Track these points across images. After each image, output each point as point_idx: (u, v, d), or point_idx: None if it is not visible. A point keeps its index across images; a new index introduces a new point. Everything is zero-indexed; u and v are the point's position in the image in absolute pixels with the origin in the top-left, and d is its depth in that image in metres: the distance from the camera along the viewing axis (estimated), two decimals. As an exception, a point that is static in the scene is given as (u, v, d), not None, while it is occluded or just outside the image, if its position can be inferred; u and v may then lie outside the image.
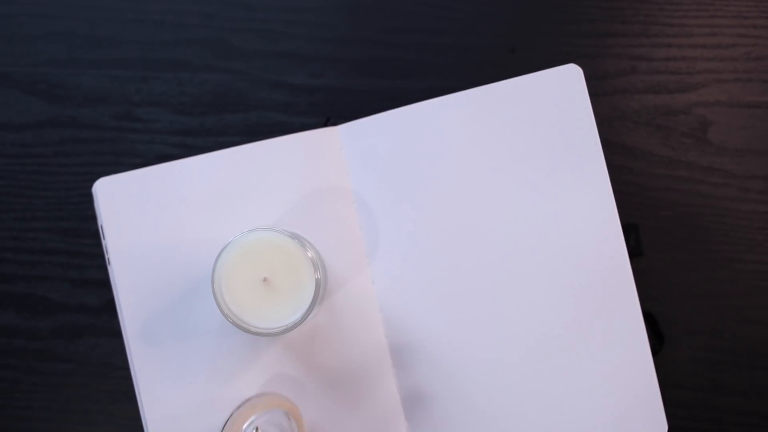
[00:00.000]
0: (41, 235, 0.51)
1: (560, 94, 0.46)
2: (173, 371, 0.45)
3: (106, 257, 0.45)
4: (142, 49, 0.52)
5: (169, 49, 0.52)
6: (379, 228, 0.47)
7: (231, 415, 0.43)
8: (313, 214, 0.47)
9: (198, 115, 0.52)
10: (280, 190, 0.46)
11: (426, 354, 0.46)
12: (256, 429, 0.41)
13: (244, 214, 0.46)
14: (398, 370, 0.47)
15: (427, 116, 0.47)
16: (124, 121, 0.51)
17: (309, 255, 0.40)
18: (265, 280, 0.40)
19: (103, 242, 0.45)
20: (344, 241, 0.47)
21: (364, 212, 0.48)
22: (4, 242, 0.51)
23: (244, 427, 0.42)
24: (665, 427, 0.45)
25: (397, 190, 0.47)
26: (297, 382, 0.46)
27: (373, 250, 0.47)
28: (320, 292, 0.41)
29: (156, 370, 0.44)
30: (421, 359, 0.46)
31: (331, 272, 0.46)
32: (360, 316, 0.47)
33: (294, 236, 0.41)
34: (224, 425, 0.43)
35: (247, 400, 0.44)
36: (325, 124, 0.49)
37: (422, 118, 0.47)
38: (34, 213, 0.51)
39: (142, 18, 0.52)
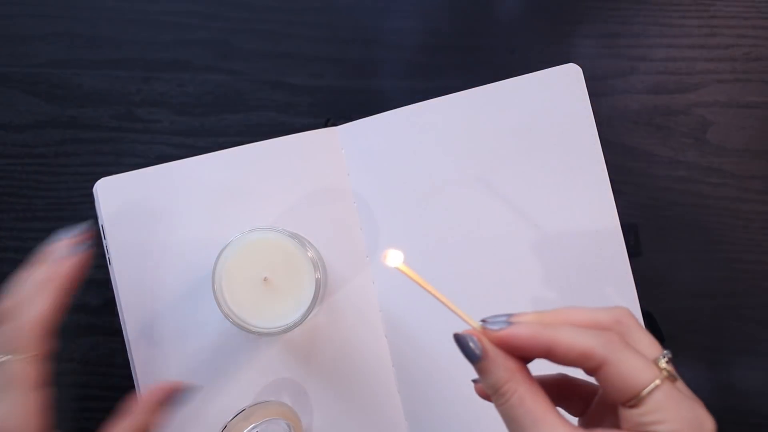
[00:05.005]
0: (42, 235, 0.51)
1: (560, 93, 0.47)
2: (173, 371, 0.45)
3: (107, 257, 0.45)
4: (142, 49, 0.52)
5: (170, 50, 0.52)
6: (379, 228, 0.47)
7: (225, 426, 0.42)
8: (313, 214, 0.47)
9: (198, 116, 0.52)
10: (280, 190, 0.46)
11: (426, 354, 0.46)
12: None
13: (243, 214, 0.46)
14: (398, 369, 0.47)
15: (427, 116, 0.47)
16: (125, 122, 0.51)
17: (309, 255, 0.41)
18: (265, 279, 0.40)
19: (104, 242, 0.45)
20: (344, 241, 0.47)
21: (364, 212, 0.48)
22: (5, 242, 0.51)
23: None
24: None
25: (397, 189, 0.47)
26: (296, 382, 0.46)
27: (373, 250, 0.47)
28: (320, 292, 0.41)
29: (156, 370, 0.44)
30: (422, 359, 0.46)
31: (331, 272, 0.46)
32: (360, 316, 0.47)
33: (294, 236, 0.41)
34: None
35: (241, 410, 0.43)
36: (325, 125, 0.50)
37: (422, 118, 0.47)
38: (35, 213, 0.51)
39: (143, 18, 0.52)
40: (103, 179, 0.45)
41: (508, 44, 0.52)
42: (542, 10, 0.53)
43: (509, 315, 0.28)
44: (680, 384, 0.26)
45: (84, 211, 0.51)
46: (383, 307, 0.47)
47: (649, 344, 0.27)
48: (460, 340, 0.27)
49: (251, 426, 0.41)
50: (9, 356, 0.32)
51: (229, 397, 0.45)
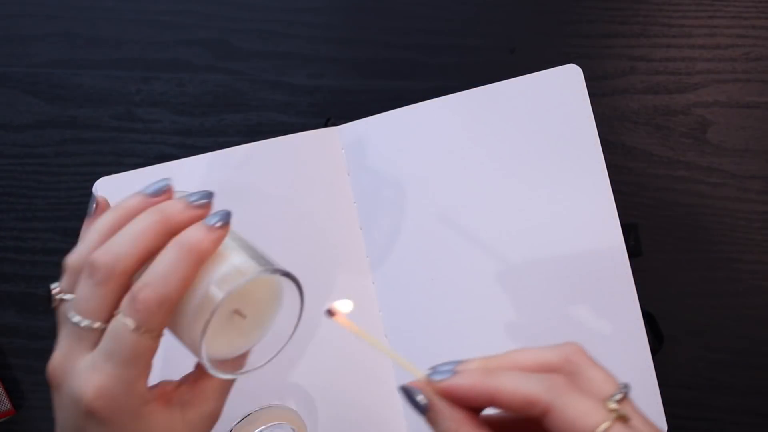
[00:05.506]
0: (42, 235, 0.51)
1: (560, 94, 0.47)
2: (175, 374, 0.45)
3: (107, 257, 0.45)
4: (142, 49, 0.52)
5: (170, 50, 0.52)
6: (379, 228, 0.47)
7: (230, 430, 0.42)
8: (313, 213, 0.47)
9: (198, 116, 0.52)
10: (280, 190, 0.46)
11: (426, 354, 0.46)
12: None
13: (243, 214, 0.46)
14: (398, 370, 0.47)
15: (427, 116, 0.47)
16: (125, 122, 0.52)
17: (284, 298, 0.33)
18: (235, 311, 0.34)
19: (104, 242, 0.45)
20: (344, 241, 0.47)
21: (364, 212, 0.48)
22: (6, 242, 0.51)
23: None
24: (664, 427, 0.45)
25: (396, 189, 0.47)
26: (296, 383, 0.46)
27: (373, 250, 0.47)
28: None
29: (156, 373, 0.44)
30: (421, 359, 0.46)
31: (331, 273, 0.46)
32: (360, 316, 0.47)
33: (274, 270, 0.32)
34: None
35: (247, 415, 0.43)
36: (325, 124, 0.50)
37: (422, 118, 0.47)
38: (35, 213, 0.51)
39: (142, 18, 0.52)
40: (102, 179, 0.45)
41: (508, 44, 0.52)
42: (542, 10, 0.53)
43: (457, 363, 0.27)
44: (636, 421, 0.25)
45: (84, 211, 0.51)
46: (383, 308, 0.47)
47: (602, 381, 0.26)
48: (406, 393, 0.27)
49: (256, 430, 0.41)
50: (142, 328, 0.29)
51: (233, 402, 0.45)
